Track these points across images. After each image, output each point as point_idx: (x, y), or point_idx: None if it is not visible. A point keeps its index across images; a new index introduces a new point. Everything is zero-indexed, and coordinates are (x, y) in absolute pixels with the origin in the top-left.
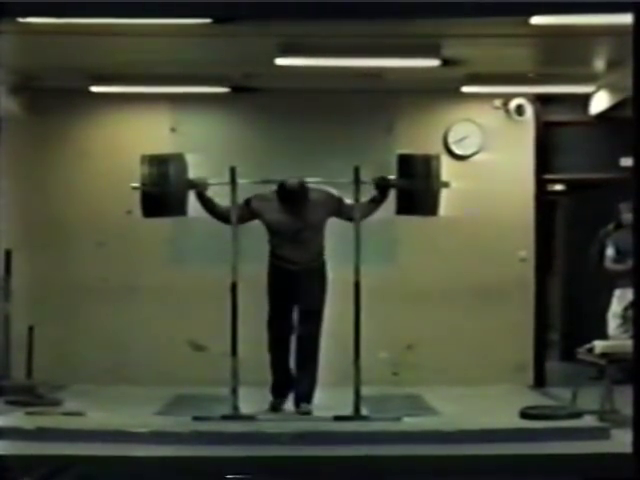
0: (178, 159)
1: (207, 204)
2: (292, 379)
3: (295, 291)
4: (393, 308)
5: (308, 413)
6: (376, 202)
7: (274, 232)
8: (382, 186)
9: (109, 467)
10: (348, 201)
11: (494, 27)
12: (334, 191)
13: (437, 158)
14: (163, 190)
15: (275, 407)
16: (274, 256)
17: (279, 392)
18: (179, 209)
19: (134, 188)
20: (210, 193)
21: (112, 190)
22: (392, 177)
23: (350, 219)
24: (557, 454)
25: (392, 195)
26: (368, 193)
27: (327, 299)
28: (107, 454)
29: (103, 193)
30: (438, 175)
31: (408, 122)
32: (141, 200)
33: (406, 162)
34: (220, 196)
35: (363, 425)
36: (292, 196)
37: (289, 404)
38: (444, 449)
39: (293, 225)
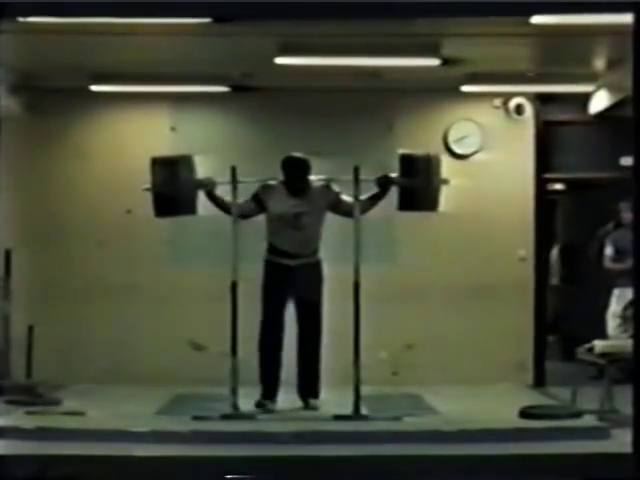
0: (187, 160)
1: (217, 202)
2: (279, 381)
3: (292, 287)
4: (392, 308)
5: (316, 409)
6: (375, 199)
7: (275, 217)
8: (384, 184)
9: (109, 467)
10: (345, 197)
11: (494, 26)
12: (336, 187)
13: (437, 157)
14: (174, 191)
15: (261, 405)
16: (271, 250)
17: (269, 393)
18: (189, 208)
19: (146, 189)
20: (218, 192)
21: (112, 189)
22: (394, 175)
23: (346, 215)
24: (557, 454)
25: (393, 193)
26: (368, 191)
27: (326, 298)
28: (107, 454)
29: (103, 192)
30: (438, 172)
31: (408, 121)
32: (153, 201)
33: (407, 161)
34: (223, 195)
35: (363, 425)
36: (296, 165)
37: (285, 403)
38: (443, 449)
39: (294, 208)
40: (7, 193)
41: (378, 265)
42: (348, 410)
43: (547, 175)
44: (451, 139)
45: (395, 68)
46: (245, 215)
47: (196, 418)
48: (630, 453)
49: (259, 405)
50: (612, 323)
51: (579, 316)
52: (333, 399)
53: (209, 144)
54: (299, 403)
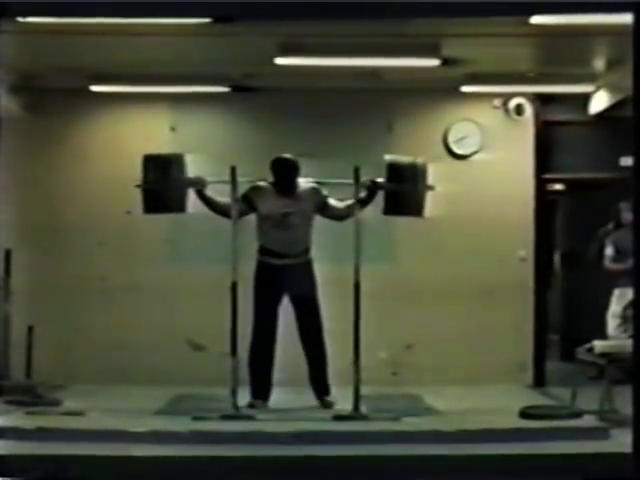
0: (177, 159)
1: (207, 201)
2: (272, 382)
3: (284, 287)
4: (392, 308)
5: (331, 406)
6: (362, 203)
7: (264, 217)
8: (370, 188)
9: (109, 467)
10: (332, 201)
11: (494, 27)
12: (324, 190)
13: (423, 164)
14: (163, 188)
15: (254, 406)
16: (261, 251)
17: (260, 394)
18: (178, 206)
19: (137, 186)
20: (211, 192)
21: (112, 189)
22: (380, 180)
23: (333, 218)
24: (556, 454)
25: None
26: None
27: (326, 299)
28: (107, 454)
29: (103, 192)
30: (424, 179)
31: (408, 122)
32: (142, 197)
33: (394, 167)
34: (219, 195)
35: (363, 425)
36: (285, 166)
37: (285, 403)
38: (443, 449)
39: (282, 208)
40: (7, 193)
41: (378, 265)
42: (348, 410)
43: (547, 175)
44: (451, 139)
45: (395, 68)
46: (237, 216)
47: (196, 418)
48: (630, 453)
49: (250, 406)
50: (612, 323)
51: (579, 316)
52: (333, 399)
53: (209, 144)
54: (299, 403)
